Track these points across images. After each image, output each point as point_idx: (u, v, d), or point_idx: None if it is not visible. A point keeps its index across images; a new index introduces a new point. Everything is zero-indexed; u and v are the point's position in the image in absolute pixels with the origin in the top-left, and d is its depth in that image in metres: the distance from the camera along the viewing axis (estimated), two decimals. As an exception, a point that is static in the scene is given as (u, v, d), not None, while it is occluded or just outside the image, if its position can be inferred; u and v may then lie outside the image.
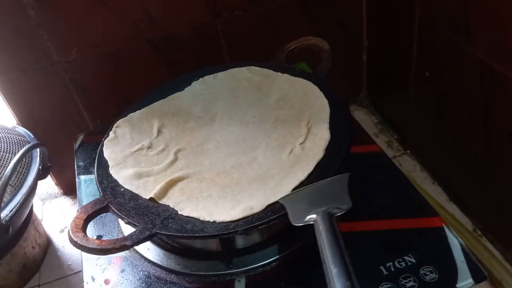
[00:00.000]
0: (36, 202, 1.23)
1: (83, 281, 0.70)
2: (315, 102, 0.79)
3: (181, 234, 0.61)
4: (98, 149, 0.78)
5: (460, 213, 1.04)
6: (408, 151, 1.23)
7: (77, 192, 0.85)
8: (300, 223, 0.58)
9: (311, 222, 0.57)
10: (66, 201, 1.26)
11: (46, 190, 1.29)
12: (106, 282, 0.69)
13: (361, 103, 1.41)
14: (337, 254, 0.52)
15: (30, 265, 1.05)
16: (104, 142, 0.79)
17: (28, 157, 0.94)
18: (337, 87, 0.81)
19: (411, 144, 1.22)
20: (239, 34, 1.14)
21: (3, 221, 0.83)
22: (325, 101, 0.79)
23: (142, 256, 0.71)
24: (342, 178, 0.63)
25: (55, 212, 1.23)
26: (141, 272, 0.70)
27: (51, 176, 1.24)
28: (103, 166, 0.75)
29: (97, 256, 0.72)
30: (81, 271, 1.04)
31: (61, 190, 1.28)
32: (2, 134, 0.96)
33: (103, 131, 0.82)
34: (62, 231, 1.17)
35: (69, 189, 1.27)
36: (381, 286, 0.62)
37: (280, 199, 0.62)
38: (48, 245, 1.13)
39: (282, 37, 0.95)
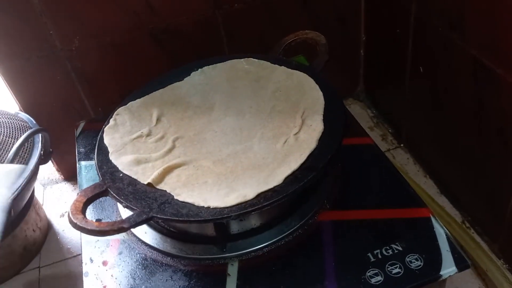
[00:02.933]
0: (37, 187, 1.26)
1: (82, 263, 0.73)
2: (311, 94, 0.81)
3: (177, 218, 0.63)
4: (99, 136, 0.80)
5: (450, 205, 1.07)
6: (402, 145, 1.25)
7: (78, 178, 0.88)
8: None
9: None
10: (66, 186, 1.29)
11: (48, 176, 1.31)
12: (104, 263, 0.72)
13: (357, 96, 1.43)
14: None
15: (31, 248, 1.08)
16: (105, 129, 0.81)
17: (30, 142, 0.96)
18: (335, 81, 0.83)
19: (405, 138, 1.24)
20: (238, 26, 1.15)
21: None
22: (320, 93, 0.81)
23: (139, 239, 0.74)
24: None
25: (55, 197, 1.26)
26: (138, 255, 0.72)
27: (52, 162, 1.26)
28: (103, 152, 0.77)
29: (96, 239, 0.75)
30: (80, 254, 1.07)
31: (62, 176, 1.30)
32: (5, 120, 0.99)
33: (104, 119, 0.84)
34: (62, 215, 1.20)
35: (70, 175, 1.29)
36: (368, 272, 0.65)
37: None
38: (48, 228, 1.15)
39: (281, 30, 0.97)
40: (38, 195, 1.23)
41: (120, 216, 0.78)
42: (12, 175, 0.77)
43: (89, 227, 0.61)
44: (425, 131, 1.12)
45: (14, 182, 0.78)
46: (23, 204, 0.98)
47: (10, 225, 0.96)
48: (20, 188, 0.85)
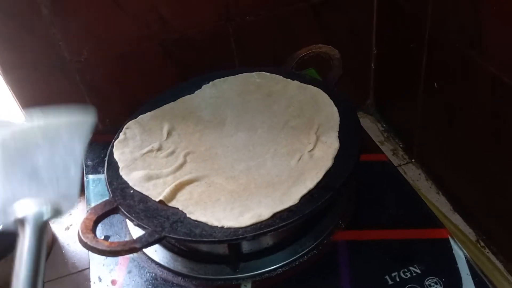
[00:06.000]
0: (42, 198, 1.24)
1: (89, 280, 0.71)
2: (325, 110, 0.80)
3: (190, 238, 0.61)
4: (108, 150, 0.79)
5: (464, 224, 1.05)
6: (413, 160, 1.24)
7: (85, 192, 0.86)
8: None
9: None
10: (72, 198, 1.27)
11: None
12: (113, 282, 0.70)
13: (367, 110, 1.42)
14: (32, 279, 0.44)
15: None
16: (114, 143, 0.79)
17: (37, 155, 0.94)
18: (345, 93, 0.82)
19: (416, 153, 1.22)
20: (249, 39, 1.14)
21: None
22: (335, 109, 0.79)
23: (149, 258, 0.72)
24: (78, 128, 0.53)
25: (60, 210, 1.24)
26: (148, 274, 0.70)
27: (58, 173, 1.24)
28: (113, 167, 0.75)
29: (104, 257, 0.73)
30: (85, 269, 1.05)
31: (67, 188, 1.29)
32: (12, 131, 0.97)
33: (112, 131, 0.83)
34: (67, 228, 1.18)
35: (76, 187, 1.28)
36: (386, 296, 0.63)
37: None
38: (53, 242, 1.14)
39: (293, 43, 0.96)
40: (43, 207, 1.21)
41: (129, 232, 0.76)
42: (83, 128, 0.68)
43: (100, 247, 0.59)
44: (438, 147, 1.10)
45: (85, 136, 0.68)
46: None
47: (14, 239, 0.94)
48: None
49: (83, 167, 0.79)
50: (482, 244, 1.00)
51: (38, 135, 0.62)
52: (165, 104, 0.87)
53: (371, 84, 1.36)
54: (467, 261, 0.66)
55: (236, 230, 0.61)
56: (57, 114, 0.66)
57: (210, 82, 0.91)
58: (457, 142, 1.01)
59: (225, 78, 0.92)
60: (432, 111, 1.08)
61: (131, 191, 0.70)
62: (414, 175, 1.19)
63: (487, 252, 0.98)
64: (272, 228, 0.61)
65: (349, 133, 0.74)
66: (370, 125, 1.37)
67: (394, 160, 1.24)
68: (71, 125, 0.65)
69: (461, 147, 1.00)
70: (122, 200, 0.68)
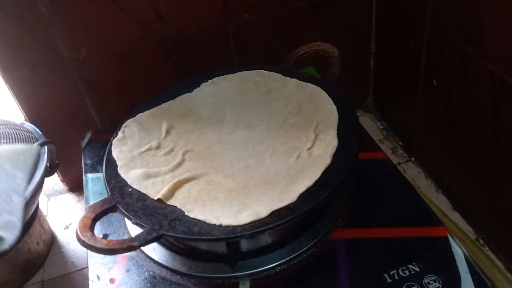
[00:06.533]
0: (41, 198, 1.24)
1: (88, 279, 0.70)
2: (324, 108, 0.80)
3: (188, 237, 0.61)
4: (107, 149, 0.78)
5: (463, 222, 1.05)
6: (413, 158, 1.23)
7: (84, 191, 0.86)
8: None
9: None
10: (71, 197, 1.27)
11: (52, 186, 1.30)
12: (112, 281, 0.70)
13: (366, 108, 1.41)
14: None
15: (34, 261, 1.06)
16: (113, 142, 0.79)
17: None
18: (343, 92, 0.82)
19: (416, 151, 1.22)
20: (248, 37, 1.14)
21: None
22: (334, 107, 0.79)
23: (147, 256, 0.72)
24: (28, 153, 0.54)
25: (60, 209, 1.24)
26: (147, 272, 0.70)
27: (57, 172, 1.24)
28: (111, 165, 0.75)
29: (103, 255, 0.73)
30: (84, 268, 1.05)
31: (67, 187, 1.29)
32: (11, 130, 0.97)
33: (111, 130, 0.83)
34: (66, 227, 1.18)
35: (75, 186, 1.28)
36: (385, 294, 0.63)
37: None
38: (52, 241, 1.14)
39: (292, 41, 0.96)
40: (42, 206, 1.21)
41: (128, 231, 0.76)
42: (27, 157, 0.69)
43: (98, 245, 0.59)
44: (438, 145, 1.10)
45: (29, 165, 0.70)
46: (28, 217, 0.96)
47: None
48: (25, 201, 0.83)
49: (25, 196, 0.76)
50: (481, 242, 1.00)
51: None
52: (164, 102, 0.87)
53: (371, 83, 1.36)
54: (466, 259, 0.66)
55: (234, 228, 0.61)
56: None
57: (209, 81, 0.91)
58: (457, 140, 1.01)
59: (224, 76, 0.92)
60: (431, 110, 1.08)
61: (130, 190, 0.70)
62: (413, 173, 1.19)
63: (487, 250, 0.98)
64: (270, 226, 0.61)
65: (348, 131, 0.74)
66: (369, 123, 1.37)
67: (394, 158, 1.24)
68: (14, 155, 0.66)
69: (460, 145, 1.00)
70: (121, 198, 0.68)
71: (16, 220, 0.56)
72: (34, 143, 0.93)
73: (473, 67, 0.88)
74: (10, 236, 0.55)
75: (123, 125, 0.83)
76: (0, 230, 0.55)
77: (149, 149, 0.78)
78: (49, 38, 1.01)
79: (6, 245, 0.56)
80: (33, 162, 0.65)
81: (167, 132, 0.81)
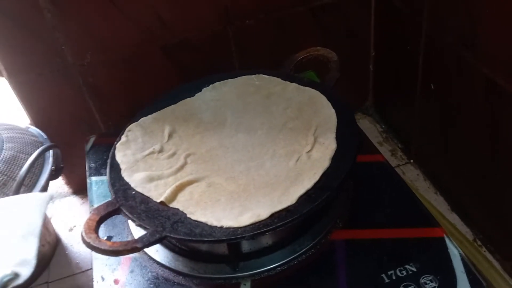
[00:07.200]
0: (45, 200, 1.26)
1: (92, 280, 0.72)
2: (323, 112, 0.81)
3: (190, 238, 0.63)
4: (110, 152, 0.80)
5: (461, 223, 1.06)
6: (411, 161, 1.25)
7: (88, 193, 0.88)
8: None
9: None
10: (75, 200, 1.29)
11: (56, 189, 1.31)
12: (116, 282, 0.71)
13: (366, 111, 1.43)
14: None
15: (39, 263, 1.06)
16: (117, 146, 0.81)
17: (41, 158, 0.96)
18: (343, 95, 0.83)
19: (415, 153, 1.23)
20: (249, 42, 1.16)
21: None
22: (333, 111, 0.81)
23: (151, 258, 0.73)
24: (37, 202, 0.61)
25: (64, 211, 1.26)
26: (150, 273, 0.72)
27: (61, 175, 1.26)
28: (115, 169, 0.77)
29: (107, 256, 0.74)
30: (89, 269, 1.07)
31: (71, 190, 1.30)
32: (16, 135, 0.99)
33: (114, 134, 0.85)
34: (71, 229, 1.19)
35: (79, 189, 1.29)
36: (382, 294, 0.64)
37: None
38: (57, 243, 1.15)
39: (292, 46, 0.97)
40: (46, 208, 1.23)
41: (131, 233, 0.77)
42: (43, 203, 0.77)
43: (102, 247, 0.61)
44: (436, 148, 1.11)
45: (44, 209, 0.78)
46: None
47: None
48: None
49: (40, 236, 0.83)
50: (479, 243, 1.01)
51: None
52: (166, 106, 0.89)
53: (370, 86, 1.37)
54: (462, 259, 0.67)
55: (235, 229, 0.63)
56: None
57: (210, 85, 0.93)
58: (455, 142, 1.02)
59: (225, 80, 0.93)
60: (429, 112, 1.09)
61: (133, 192, 0.71)
62: (412, 175, 1.21)
63: (484, 251, 0.99)
64: (270, 227, 0.62)
65: (346, 134, 0.76)
66: (369, 126, 1.38)
67: (393, 161, 1.25)
68: (32, 200, 0.72)
69: (458, 148, 1.01)
70: (124, 201, 0.69)
71: (31, 258, 0.61)
72: (38, 145, 0.95)
73: (469, 71, 0.89)
74: (26, 273, 0.60)
75: (127, 129, 0.84)
76: (16, 267, 0.60)
77: (152, 153, 0.79)
78: (54, 43, 1.02)
79: (21, 280, 0.61)
80: (45, 207, 0.74)
81: (170, 136, 0.83)
